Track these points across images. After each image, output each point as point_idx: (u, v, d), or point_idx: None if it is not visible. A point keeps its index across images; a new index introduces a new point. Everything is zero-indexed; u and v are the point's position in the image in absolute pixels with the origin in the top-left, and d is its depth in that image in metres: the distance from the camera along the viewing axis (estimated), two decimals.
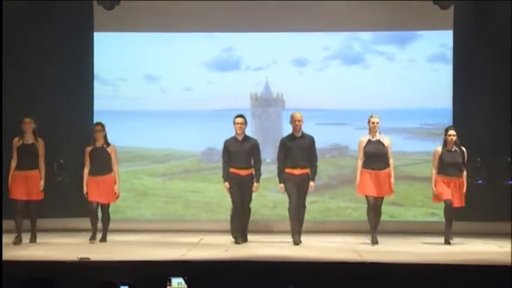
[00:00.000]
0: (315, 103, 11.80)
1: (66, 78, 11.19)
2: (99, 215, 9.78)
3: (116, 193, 9.73)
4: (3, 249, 8.33)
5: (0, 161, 8.52)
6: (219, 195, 11.03)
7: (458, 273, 7.18)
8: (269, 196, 11.40)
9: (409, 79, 11.70)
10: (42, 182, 9.48)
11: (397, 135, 11.13)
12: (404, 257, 8.24)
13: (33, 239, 9.54)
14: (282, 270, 7.40)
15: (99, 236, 9.71)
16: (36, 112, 9.95)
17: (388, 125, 10.57)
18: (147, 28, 11.52)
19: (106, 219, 9.73)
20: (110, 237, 9.88)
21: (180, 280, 5.45)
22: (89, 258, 7.62)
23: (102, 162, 9.64)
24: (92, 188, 9.57)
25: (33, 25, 11.04)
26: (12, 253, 8.31)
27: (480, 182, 11.11)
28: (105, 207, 9.73)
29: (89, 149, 9.67)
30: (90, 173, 9.61)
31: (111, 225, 9.87)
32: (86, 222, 9.95)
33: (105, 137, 9.66)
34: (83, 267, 7.36)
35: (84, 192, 9.62)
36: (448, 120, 11.05)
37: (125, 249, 8.96)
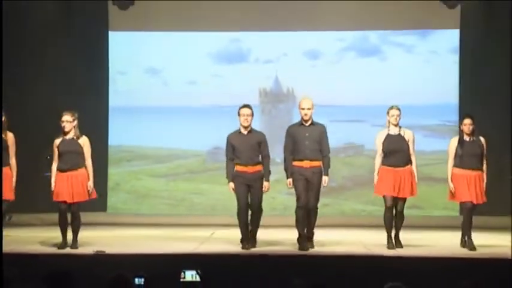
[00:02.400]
0: (328, 99, 10.93)
1: (82, 75, 11.24)
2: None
3: (88, 190, 8.38)
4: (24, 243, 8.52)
5: (0, 160, 7.82)
6: (225, 197, 10.39)
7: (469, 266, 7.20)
8: (279, 198, 10.70)
9: (431, 73, 11.21)
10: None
11: (416, 133, 10.49)
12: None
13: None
14: (290, 263, 7.43)
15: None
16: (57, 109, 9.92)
17: (406, 121, 10.14)
18: (160, 27, 11.44)
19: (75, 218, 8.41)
20: (123, 231, 9.83)
21: (193, 273, 5.45)
22: (104, 252, 7.65)
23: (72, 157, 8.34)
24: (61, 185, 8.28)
25: (52, 25, 11.11)
26: (30, 247, 8.35)
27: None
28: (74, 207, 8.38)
29: (57, 141, 8.34)
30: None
31: (124, 219, 9.74)
32: (102, 216, 9.94)
33: (76, 127, 8.35)
34: (99, 260, 7.39)
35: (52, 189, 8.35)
36: None
37: (139, 243, 8.89)
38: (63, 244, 8.32)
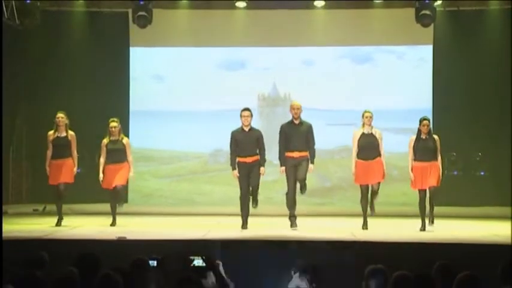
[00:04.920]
0: (323, 103, 10.85)
1: (107, 84, 11.27)
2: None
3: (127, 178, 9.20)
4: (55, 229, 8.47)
5: (0, 157, 7.94)
6: (226, 197, 10.52)
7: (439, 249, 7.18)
8: (276, 198, 10.11)
9: (409, 82, 11.08)
10: (75, 169, 9.09)
11: (398, 134, 10.34)
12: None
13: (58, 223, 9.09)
14: (287, 247, 7.37)
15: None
16: (83, 113, 9.91)
17: (399, 125, 10.01)
18: (172, 43, 11.45)
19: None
20: (141, 219, 9.78)
21: (200, 258, 5.40)
22: (125, 238, 7.61)
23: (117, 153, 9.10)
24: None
25: (84, 42, 11.17)
26: (63, 233, 8.34)
27: (456, 173, 11.04)
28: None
29: (105, 141, 9.06)
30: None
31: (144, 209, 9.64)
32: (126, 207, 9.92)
33: (120, 131, 9.15)
34: (121, 245, 7.35)
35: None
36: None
37: (155, 230, 8.75)
38: (114, 222, 9.08)
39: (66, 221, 9.21)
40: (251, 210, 8.83)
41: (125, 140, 9.16)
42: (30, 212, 10.48)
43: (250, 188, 8.74)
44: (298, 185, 8.73)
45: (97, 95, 11.11)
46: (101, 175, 9.06)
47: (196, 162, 11.41)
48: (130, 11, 10.70)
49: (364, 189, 8.80)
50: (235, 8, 10.79)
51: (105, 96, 11.19)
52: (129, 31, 11.25)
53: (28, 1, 10.43)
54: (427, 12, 10.27)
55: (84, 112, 10.14)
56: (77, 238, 7.87)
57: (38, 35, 10.94)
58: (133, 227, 8.94)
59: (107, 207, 9.43)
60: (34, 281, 4.14)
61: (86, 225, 9.14)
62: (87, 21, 11.07)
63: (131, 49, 11.48)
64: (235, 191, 9.51)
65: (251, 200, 8.81)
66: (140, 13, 10.41)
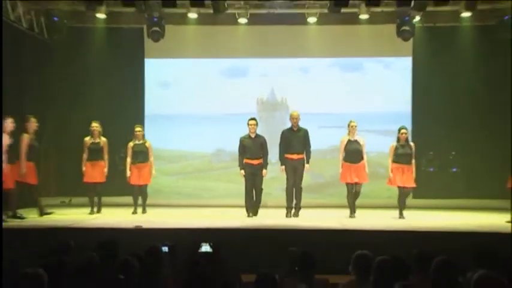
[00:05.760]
0: (316, 107, 10.74)
1: (124, 91, 11.26)
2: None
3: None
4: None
5: (0, 157, 7.77)
6: (227, 192, 10.51)
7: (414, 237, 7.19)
8: (274, 194, 10.15)
9: (391, 90, 11.03)
10: (105, 170, 9.36)
11: (380, 136, 10.40)
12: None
13: (99, 211, 9.47)
14: (285, 235, 7.40)
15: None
16: (104, 117, 9.91)
17: (384, 127, 9.94)
18: (181, 55, 11.36)
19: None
20: (155, 210, 9.78)
21: (207, 245, 5.41)
22: (141, 226, 7.63)
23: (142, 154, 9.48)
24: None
25: (102, 52, 11.12)
26: (86, 222, 8.34)
27: (432, 169, 11.09)
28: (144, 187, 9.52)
29: (131, 144, 9.44)
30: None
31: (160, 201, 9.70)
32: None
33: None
34: (137, 232, 7.37)
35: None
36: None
37: (167, 220, 8.73)
38: (135, 211, 9.45)
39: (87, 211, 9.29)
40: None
41: (147, 143, 9.50)
42: (58, 204, 10.50)
43: (254, 189, 9.05)
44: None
45: (116, 101, 11.08)
46: (128, 173, 9.40)
47: (201, 161, 11.32)
48: (145, 26, 10.68)
49: (350, 187, 9.07)
50: (237, 23, 10.78)
51: (123, 102, 11.18)
52: (144, 44, 11.21)
53: (56, 19, 10.46)
54: (407, 28, 10.29)
55: (104, 115, 10.12)
56: (99, 227, 7.88)
57: (65, 48, 10.96)
58: (148, 218, 8.95)
59: (124, 199, 9.50)
60: (62, 265, 4.15)
61: (108, 216, 9.16)
62: (108, 36, 11.03)
63: (146, 60, 11.44)
64: (236, 187, 9.61)
65: (254, 198, 9.07)
66: (154, 28, 10.41)
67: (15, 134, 8.41)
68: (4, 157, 8.03)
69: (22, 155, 8.46)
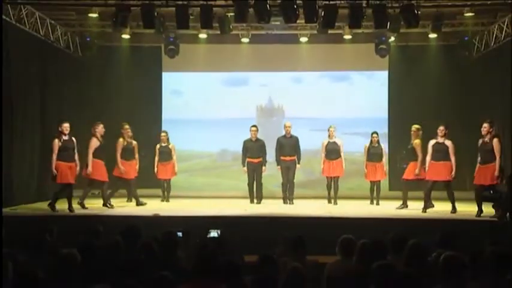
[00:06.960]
0: (308, 113, 10.78)
1: (145, 100, 11.27)
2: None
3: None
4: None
5: (0, 157, 7.42)
6: (230, 188, 10.45)
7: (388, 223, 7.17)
8: (270, 188, 10.16)
9: (371, 98, 10.97)
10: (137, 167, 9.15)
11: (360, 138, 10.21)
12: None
13: (129, 200, 9.43)
14: (281, 222, 7.40)
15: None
16: (128, 121, 9.85)
17: (367, 129, 9.75)
18: (192, 69, 11.29)
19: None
20: (171, 201, 9.74)
21: (216, 231, 5.39)
22: (159, 214, 7.59)
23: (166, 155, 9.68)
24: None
25: (126, 67, 11.12)
26: (113, 210, 8.35)
27: (405, 166, 11.04)
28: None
29: (158, 146, 9.65)
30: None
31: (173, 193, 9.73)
32: (155, 191, 9.91)
33: (168, 139, 9.74)
34: (155, 219, 7.34)
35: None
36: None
37: (181, 208, 8.76)
38: (165, 199, 9.72)
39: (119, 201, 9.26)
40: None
41: (171, 145, 9.72)
42: (89, 196, 10.43)
43: (255, 183, 9.40)
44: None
45: (137, 108, 11.05)
46: (156, 169, 9.66)
47: (207, 160, 11.26)
48: (162, 45, 10.68)
49: (329, 179, 9.53)
50: (241, 42, 10.78)
51: (144, 109, 11.17)
52: (161, 60, 11.21)
53: (88, 38, 10.53)
54: (384, 46, 10.35)
55: (128, 119, 10.09)
56: (124, 214, 7.88)
57: (96, 63, 10.98)
58: (166, 207, 8.95)
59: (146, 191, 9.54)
60: (92, 247, 4.15)
61: (131, 205, 9.13)
62: (131, 53, 11.04)
63: (163, 73, 11.44)
64: (237, 183, 9.61)
65: (255, 194, 9.43)
66: (170, 47, 10.43)
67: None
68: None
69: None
